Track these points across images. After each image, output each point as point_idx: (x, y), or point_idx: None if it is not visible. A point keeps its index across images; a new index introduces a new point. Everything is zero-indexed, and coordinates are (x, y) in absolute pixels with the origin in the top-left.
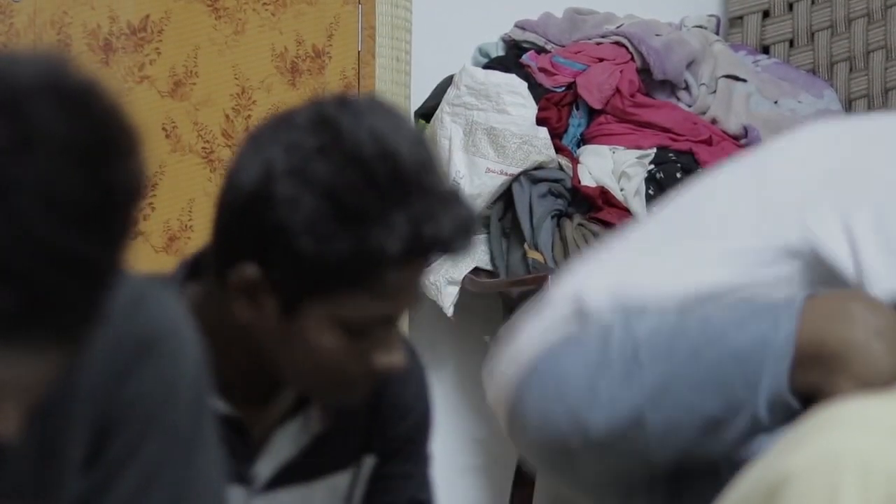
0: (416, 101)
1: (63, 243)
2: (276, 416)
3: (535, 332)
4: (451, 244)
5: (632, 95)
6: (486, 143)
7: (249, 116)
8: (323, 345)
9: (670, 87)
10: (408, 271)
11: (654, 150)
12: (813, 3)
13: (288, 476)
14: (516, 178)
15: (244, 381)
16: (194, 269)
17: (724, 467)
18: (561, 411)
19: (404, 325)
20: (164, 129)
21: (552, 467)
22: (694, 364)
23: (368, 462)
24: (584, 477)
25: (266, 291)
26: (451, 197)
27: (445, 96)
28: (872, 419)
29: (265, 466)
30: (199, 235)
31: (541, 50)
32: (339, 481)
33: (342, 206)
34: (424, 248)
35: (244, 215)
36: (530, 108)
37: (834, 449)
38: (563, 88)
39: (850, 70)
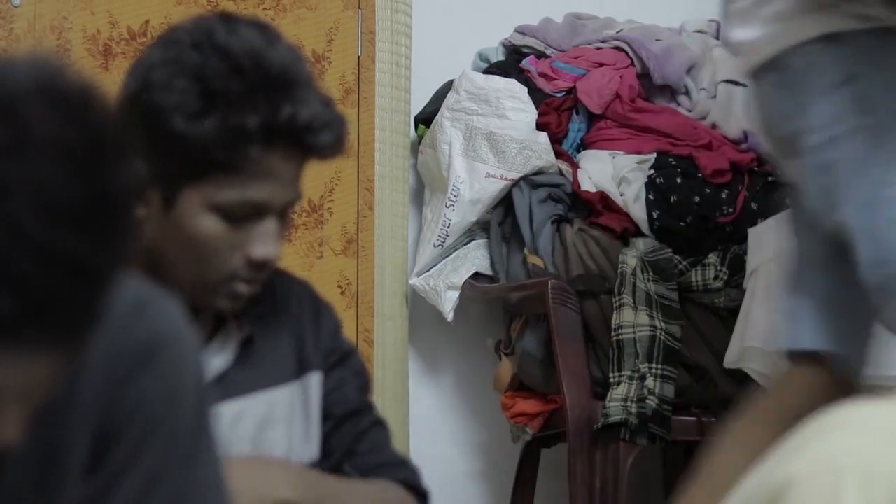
0: (416, 106)
1: (58, 246)
2: (201, 336)
3: None
4: (311, 131)
5: (632, 100)
6: (486, 147)
7: None
8: (200, 231)
9: (670, 91)
10: (276, 156)
11: (655, 155)
12: None
13: (225, 389)
14: (516, 183)
15: None
16: None
17: None
18: None
19: (404, 329)
20: None
21: None
22: None
23: (315, 378)
24: None
25: (151, 186)
26: (318, 96)
27: (445, 101)
28: (874, 422)
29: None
30: None
31: (541, 55)
32: (279, 396)
33: (208, 88)
34: (283, 128)
35: (130, 110)
36: (530, 113)
37: (835, 452)
38: (563, 93)
39: None
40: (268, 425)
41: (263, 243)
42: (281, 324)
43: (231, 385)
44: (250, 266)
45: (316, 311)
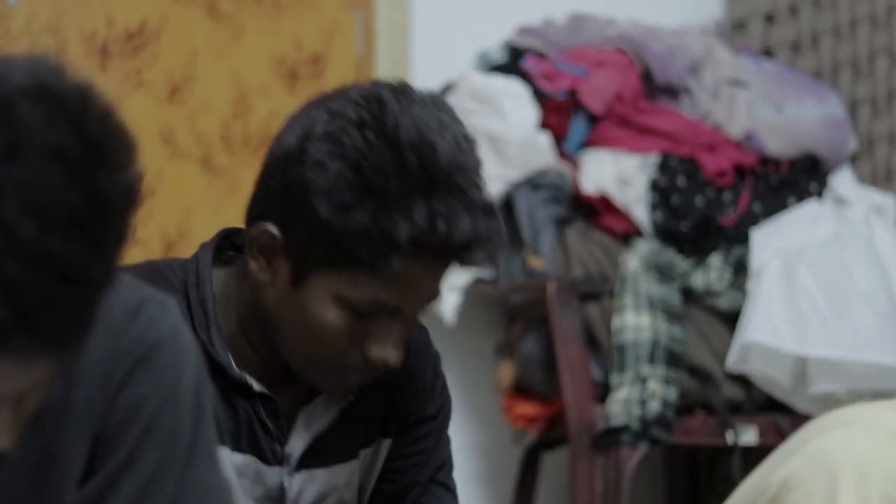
0: None
1: (49, 250)
2: (301, 396)
3: None
4: (466, 250)
5: (633, 101)
6: (487, 149)
7: (248, 122)
8: (323, 319)
9: (672, 92)
10: (418, 266)
11: (656, 155)
12: (817, 7)
13: (320, 454)
14: (517, 184)
15: (272, 359)
16: (217, 251)
17: None
18: None
19: None
20: (161, 135)
21: None
22: None
23: (385, 444)
24: None
25: (282, 254)
26: (479, 205)
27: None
28: (868, 422)
29: (297, 443)
30: (198, 242)
31: (542, 55)
32: (363, 459)
33: (365, 180)
34: (436, 245)
35: (276, 172)
36: (531, 114)
37: (831, 450)
38: (565, 94)
39: (855, 74)
40: (327, 494)
41: (383, 345)
42: (381, 383)
43: (317, 455)
44: (365, 363)
45: (414, 369)
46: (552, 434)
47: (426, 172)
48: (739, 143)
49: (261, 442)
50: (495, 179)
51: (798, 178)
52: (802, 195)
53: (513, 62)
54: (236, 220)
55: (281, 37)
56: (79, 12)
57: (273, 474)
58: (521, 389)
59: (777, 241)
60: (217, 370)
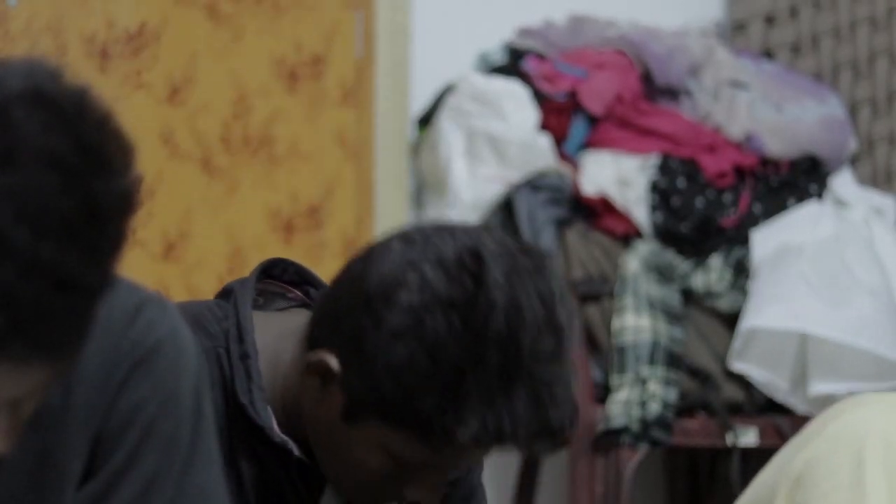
0: (416, 107)
1: (43, 257)
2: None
3: None
4: (528, 445)
5: (634, 102)
6: (487, 150)
7: (248, 123)
8: (365, 462)
9: (672, 93)
10: (476, 449)
11: (657, 157)
12: (817, 8)
13: None
14: (517, 185)
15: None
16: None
17: None
18: None
19: None
20: (161, 136)
21: None
22: None
23: None
24: None
25: (338, 387)
26: (550, 397)
27: (445, 103)
28: (890, 400)
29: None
30: (198, 243)
31: (542, 57)
32: None
33: (438, 370)
34: (493, 442)
35: (355, 307)
36: (531, 115)
37: (853, 425)
38: (565, 95)
39: (855, 75)
40: None
41: (421, 490)
42: None
43: None
44: (400, 497)
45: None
46: None
47: (502, 373)
48: (739, 144)
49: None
50: (495, 181)
51: (798, 179)
52: (802, 196)
53: (513, 63)
54: (236, 220)
55: (281, 38)
56: (78, 14)
57: None
58: None
59: (777, 242)
60: (255, 432)
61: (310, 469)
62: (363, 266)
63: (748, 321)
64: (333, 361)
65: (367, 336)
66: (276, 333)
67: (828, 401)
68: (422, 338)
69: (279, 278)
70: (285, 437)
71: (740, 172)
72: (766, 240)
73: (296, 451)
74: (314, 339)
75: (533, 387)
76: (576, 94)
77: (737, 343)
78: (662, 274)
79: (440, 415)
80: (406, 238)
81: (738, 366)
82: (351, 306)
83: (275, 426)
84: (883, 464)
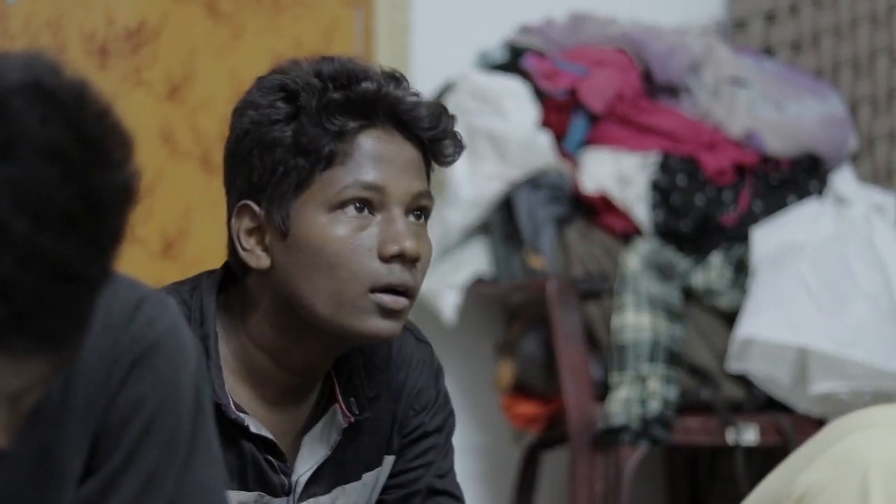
0: None
1: (43, 249)
2: (302, 422)
3: None
4: (406, 109)
5: (634, 100)
6: (487, 148)
7: None
8: (327, 238)
9: (673, 91)
10: (376, 139)
11: (657, 154)
12: (817, 6)
13: (325, 479)
14: (517, 183)
15: (282, 371)
16: (220, 285)
17: None
18: None
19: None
20: (161, 133)
21: None
22: None
23: (388, 461)
24: None
25: (264, 223)
26: (386, 76)
27: (445, 101)
28: (892, 421)
29: (302, 470)
30: (197, 241)
31: (542, 54)
32: (369, 481)
33: (292, 91)
34: (376, 104)
35: (227, 173)
36: (531, 113)
37: (858, 450)
38: (565, 93)
39: (855, 73)
40: None
41: (395, 239)
42: (385, 402)
43: (321, 480)
44: (389, 267)
45: (416, 384)
46: (552, 433)
47: (344, 70)
48: (740, 142)
49: (268, 477)
50: (495, 178)
51: (798, 177)
52: (803, 194)
53: (513, 61)
54: None
55: (281, 36)
56: (78, 11)
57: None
58: (520, 389)
59: (777, 240)
60: (218, 411)
61: (275, 445)
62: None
63: (746, 328)
64: (246, 203)
65: (237, 168)
66: (225, 311)
67: (829, 399)
68: (266, 89)
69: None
70: (241, 415)
71: (740, 170)
72: (766, 238)
73: (252, 427)
74: (228, 232)
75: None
76: (576, 92)
77: (733, 350)
78: (662, 272)
79: (320, 114)
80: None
81: (738, 366)
82: (230, 159)
83: (231, 405)
84: (886, 495)
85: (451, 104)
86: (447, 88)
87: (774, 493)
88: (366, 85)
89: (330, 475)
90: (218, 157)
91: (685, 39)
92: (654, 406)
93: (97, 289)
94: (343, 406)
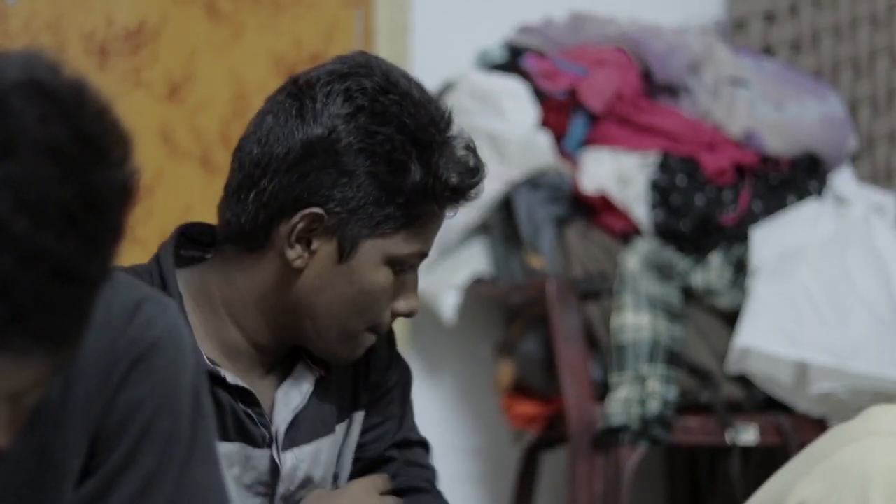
0: None
1: (43, 247)
2: (273, 382)
3: None
4: (479, 189)
5: (633, 100)
6: (487, 147)
7: (247, 121)
8: (374, 283)
9: (672, 91)
10: (444, 209)
11: (656, 154)
12: (817, 6)
13: (303, 430)
14: (517, 183)
15: (253, 348)
16: (178, 248)
17: None
18: None
19: (404, 331)
20: (161, 134)
21: None
22: None
23: (358, 417)
24: None
25: (325, 235)
26: (469, 142)
27: (445, 101)
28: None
29: (281, 422)
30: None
31: (542, 54)
32: (328, 440)
33: (414, 137)
34: (470, 185)
35: (304, 164)
36: (531, 113)
37: (858, 461)
38: (565, 93)
39: (855, 73)
40: (314, 475)
41: (409, 297)
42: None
43: (300, 430)
44: (393, 318)
45: (374, 347)
46: (552, 433)
47: (443, 120)
48: (739, 142)
49: (248, 428)
50: (495, 178)
51: (798, 177)
52: (802, 194)
53: (513, 61)
54: None
55: (280, 36)
56: (78, 12)
57: (263, 456)
58: (520, 389)
59: (777, 241)
60: None
61: (251, 394)
62: (257, 155)
63: (745, 337)
64: (318, 210)
65: (341, 157)
66: (199, 281)
67: (829, 398)
68: (387, 120)
69: (198, 241)
70: (216, 367)
71: (740, 170)
72: (766, 238)
73: (229, 378)
74: (262, 224)
75: (441, 137)
76: (575, 92)
77: (733, 355)
78: (662, 272)
79: (430, 177)
80: (273, 105)
81: (737, 367)
82: (296, 165)
83: (204, 357)
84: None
85: (451, 104)
86: (447, 88)
87: (775, 499)
88: (474, 181)
89: (308, 428)
90: (218, 157)
91: (685, 39)
92: (654, 406)
93: (97, 287)
94: (310, 361)
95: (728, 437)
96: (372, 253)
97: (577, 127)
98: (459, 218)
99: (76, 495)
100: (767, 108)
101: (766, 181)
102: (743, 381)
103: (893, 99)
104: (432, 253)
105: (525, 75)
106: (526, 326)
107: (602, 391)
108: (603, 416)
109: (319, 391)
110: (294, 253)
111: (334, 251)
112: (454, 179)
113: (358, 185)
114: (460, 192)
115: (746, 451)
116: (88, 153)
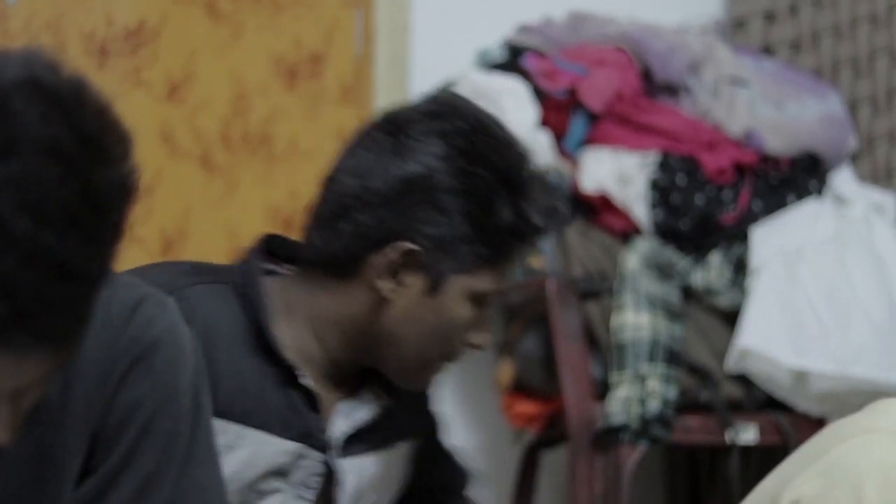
0: None
1: (45, 246)
2: (336, 398)
3: None
4: (556, 222)
5: (633, 99)
6: None
7: (247, 121)
8: (458, 318)
9: (672, 90)
10: (526, 248)
11: (656, 154)
12: (817, 5)
13: (363, 441)
14: None
15: (328, 362)
16: (263, 259)
17: None
18: None
19: None
20: (160, 134)
21: None
22: None
23: (413, 446)
24: None
25: (414, 270)
26: (545, 180)
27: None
28: (892, 426)
29: (337, 430)
30: (196, 241)
31: (542, 54)
32: (372, 461)
33: (506, 179)
34: (552, 226)
35: (400, 199)
36: (531, 113)
37: (852, 459)
38: (564, 92)
39: (855, 73)
40: (368, 487)
41: (485, 331)
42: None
43: (358, 443)
44: (466, 349)
45: (431, 395)
46: (552, 433)
47: (528, 161)
48: (739, 141)
49: (310, 428)
50: None
51: (798, 176)
52: (802, 194)
53: (512, 60)
54: (236, 218)
55: (280, 35)
56: (78, 11)
57: (320, 459)
58: (520, 388)
59: (777, 240)
60: (272, 355)
61: (317, 399)
62: (351, 188)
63: (744, 340)
64: (412, 245)
65: (429, 210)
66: (284, 292)
67: (829, 398)
68: (481, 162)
69: (273, 254)
70: (293, 364)
71: (740, 169)
72: (766, 237)
73: (301, 378)
74: (351, 253)
75: (529, 179)
76: (575, 91)
77: (732, 355)
78: (662, 271)
79: (519, 218)
80: (366, 140)
81: (737, 366)
82: (393, 200)
83: (287, 350)
84: (883, 501)
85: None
86: (447, 87)
87: (770, 497)
88: (556, 222)
89: (368, 440)
90: (217, 157)
91: (685, 39)
92: (654, 405)
93: (98, 286)
94: (379, 385)
95: (728, 436)
96: (458, 288)
97: (576, 126)
98: None
99: (76, 494)
100: (767, 108)
101: (766, 181)
102: (743, 380)
103: (893, 98)
104: None
105: (525, 75)
106: (526, 326)
107: (602, 390)
108: (603, 416)
109: (386, 413)
110: (384, 284)
111: (423, 284)
112: (539, 221)
113: (451, 222)
114: (543, 233)
115: (746, 450)
116: (89, 152)
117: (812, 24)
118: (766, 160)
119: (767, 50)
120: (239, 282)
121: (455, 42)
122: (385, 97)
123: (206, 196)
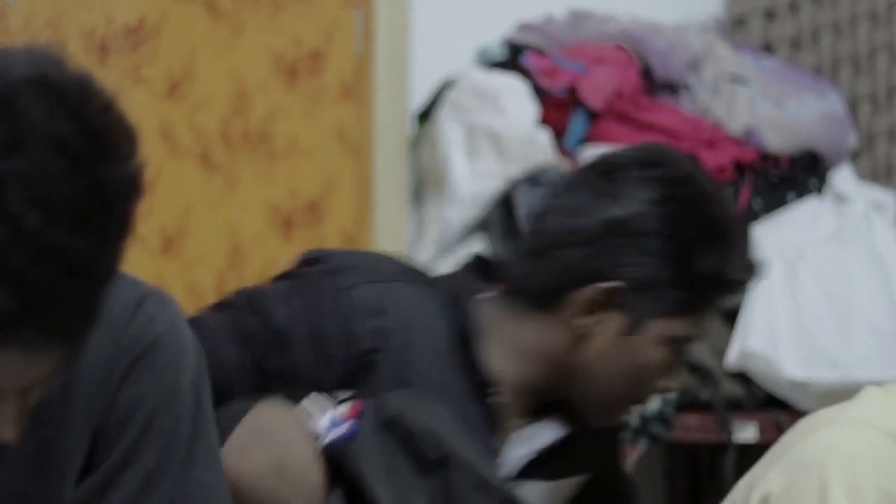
0: (416, 103)
1: (54, 242)
2: (517, 424)
3: None
4: (758, 276)
5: (633, 97)
6: (487, 145)
7: (247, 119)
8: (652, 361)
9: (672, 88)
10: (724, 298)
11: None
12: (817, 3)
13: (541, 467)
14: (517, 181)
15: (518, 391)
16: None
17: None
18: None
19: None
20: (160, 131)
21: None
22: None
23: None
24: None
25: (614, 310)
26: (749, 234)
27: (445, 99)
28: (857, 415)
29: (513, 453)
30: (196, 239)
31: (542, 52)
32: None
33: (716, 230)
34: (753, 280)
35: (608, 240)
36: (531, 110)
37: (816, 450)
38: (564, 90)
39: (855, 71)
40: None
41: (674, 376)
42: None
43: (538, 468)
44: (653, 393)
45: None
46: None
47: (737, 215)
48: (739, 139)
49: (491, 443)
50: (495, 176)
51: (798, 174)
52: (802, 192)
53: (512, 59)
54: (236, 216)
55: (280, 34)
56: (78, 9)
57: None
58: None
59: (777, 238)
60: (470, 369)
61: (498, 420)
62: (560, 225)
63: (746, 342)
64: (617, 284)
65: (633, 253)
66: (488, 312)
67: (830, 395)
68: (697, 210)
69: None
70: (491, 379)
71: (740, 167)
72: (765, 235)
73: (492, 395)
74: (555, 287)
75: (736, 232)
76: (575, 89)
77: (733, 355)
78: None
79: (724, 269)
80: (585, 181)
81: (737, 365)
82: (596, 240)
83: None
84: (847, 489)
85: (451, 102)
86: (446, 86)
87: (744, 494)
88: (757, 276)
89: (547, 467)
90: (217, 155)
91: (685, 37)
92: (654, 404)
93: (106, 282)
94: (564, 417)
95: (728, 434)
96: (655, 331)
97: (576, 124)
98: (459, 216)
99: (77, 492)
100: (767, 106)
101: (766, 179)
102: (743, 378)
103: (893, 96)
104: (432, 252)
105: (525, 73)
106: None
107: None
108: None
109: (567, 442)
110: (584, 321)
111: (621, 325)
112: (742, 274)
113: (656, 266)
114: (743, 286)
115: (746, 448)
116: (96, 148)
117: (812, 22)
118: (766, 158)
119: (767, 48)
120: (448, 293)
121: (455, 40)
122: (385, 95)
123: (205, 194)
